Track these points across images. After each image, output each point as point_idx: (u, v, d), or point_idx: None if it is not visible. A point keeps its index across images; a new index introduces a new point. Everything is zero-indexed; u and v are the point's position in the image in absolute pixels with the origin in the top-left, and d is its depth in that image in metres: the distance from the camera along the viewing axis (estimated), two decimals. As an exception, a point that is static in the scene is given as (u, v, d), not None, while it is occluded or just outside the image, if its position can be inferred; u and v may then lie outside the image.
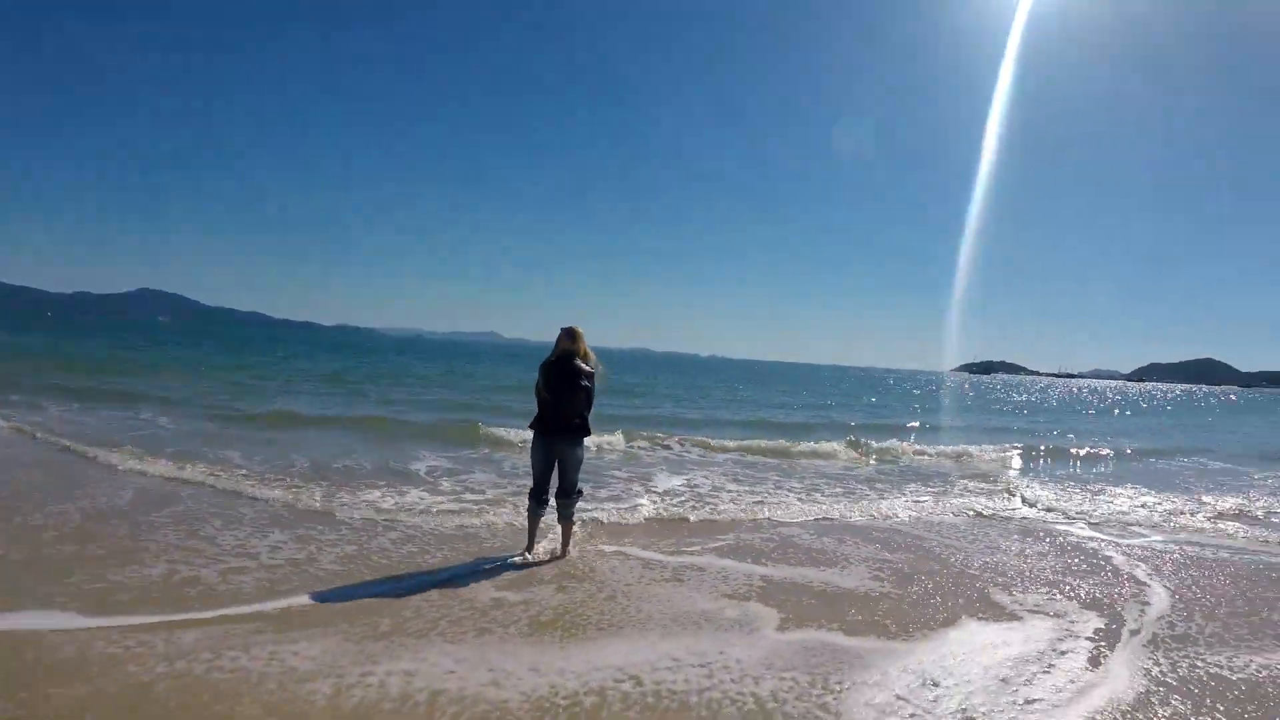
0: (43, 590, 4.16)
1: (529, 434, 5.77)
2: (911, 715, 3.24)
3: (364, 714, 3.01)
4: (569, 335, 5.57)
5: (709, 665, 3.70)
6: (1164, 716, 3.31)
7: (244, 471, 7.98)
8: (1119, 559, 6.30)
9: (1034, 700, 3.44)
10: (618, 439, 12.20)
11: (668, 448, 12.30)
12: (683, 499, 8.14)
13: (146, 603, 4.09)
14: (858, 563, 5.91)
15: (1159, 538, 7.23)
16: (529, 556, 5.48)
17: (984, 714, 3.27)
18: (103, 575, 4.49)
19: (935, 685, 3.58)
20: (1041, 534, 7.22)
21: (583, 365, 5.50)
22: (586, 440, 5.75)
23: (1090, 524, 7.75)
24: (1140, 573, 5.90)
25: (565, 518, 5.67)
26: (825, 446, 13.05)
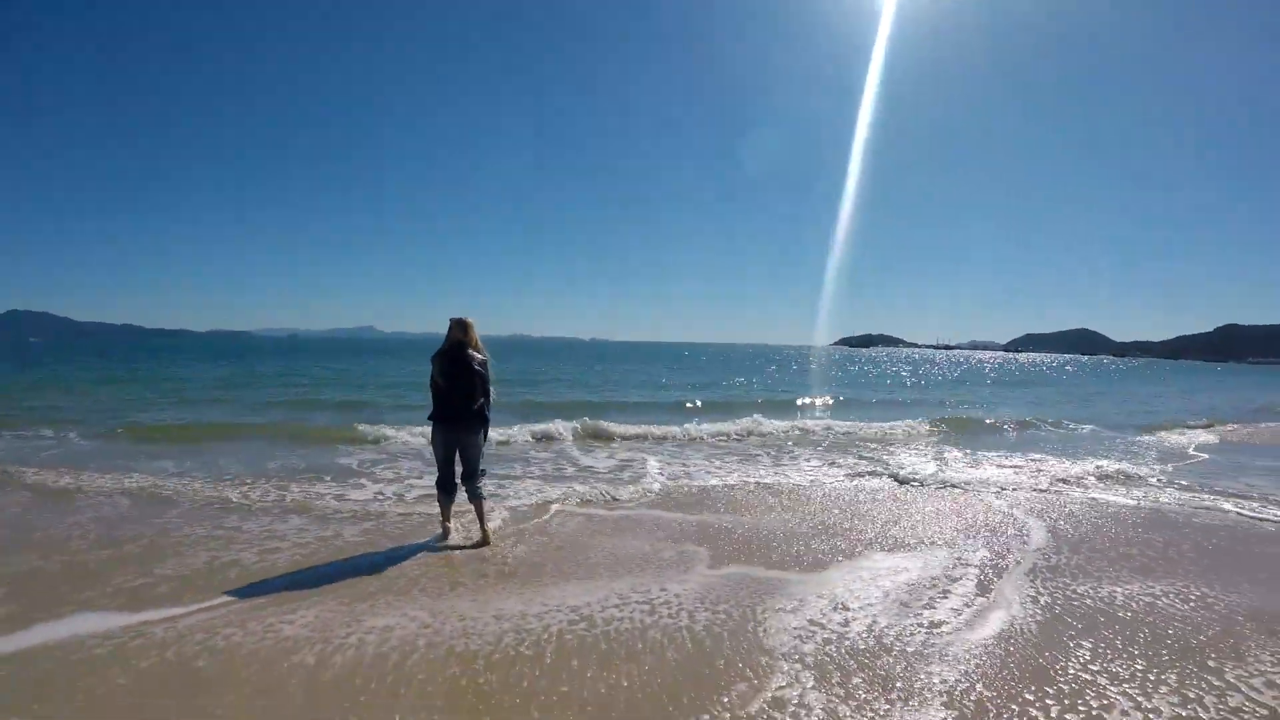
0: (86, 593, 4.20)
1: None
2: (825, 639, 3.68)
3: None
4: (460, 326, 5.64)
5: (651, 601, 4.15)
6: (1045, 632, 3.85)
7: (198, 478, 7.72)
8: (1005, 507, 6.96)
9: (936, 623, 3.92)
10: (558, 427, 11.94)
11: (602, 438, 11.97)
12: (615, 475, 8.53)
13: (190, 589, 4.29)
14: (775, 511, 6.55)
15: (1042, 491, 7.93)
16: (449, 540, 5.64)
17: (892, 635, 3.75)
18: (149, 570, 4.64)
19: (845, 609, 4.07)
20: (937, 490, 7.81)
21: (475, 354, 5.56)
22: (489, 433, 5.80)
23: (983, 484, 8.22)
24: (1021, 514, 6.64)
25: (475, 497, 5.72)
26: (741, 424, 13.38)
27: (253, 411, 16.00)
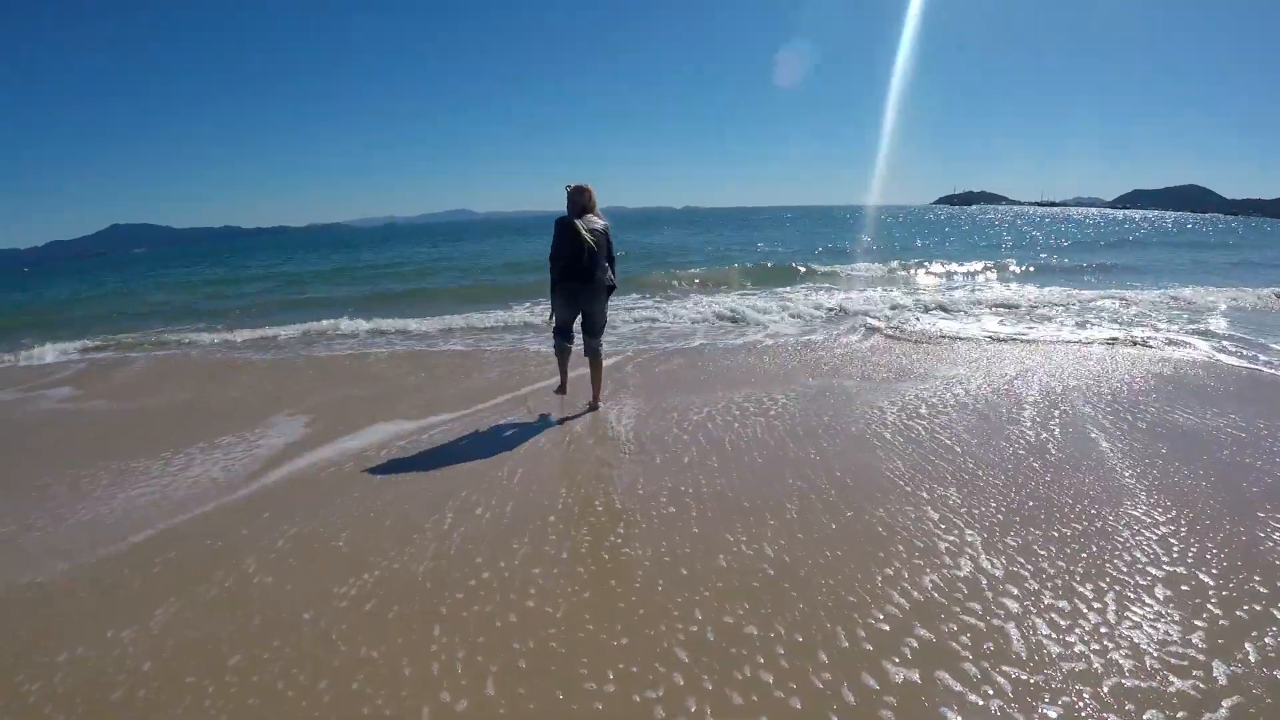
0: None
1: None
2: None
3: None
4: (580, 193, 5.66)
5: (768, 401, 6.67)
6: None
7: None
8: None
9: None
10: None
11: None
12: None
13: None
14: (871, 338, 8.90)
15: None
16: (564, 396, 6.34)
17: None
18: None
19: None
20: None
21: (596, 218, 5.64)
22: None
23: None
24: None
25: (594, 352, 5.91)
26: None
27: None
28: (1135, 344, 8.75)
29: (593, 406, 6.02)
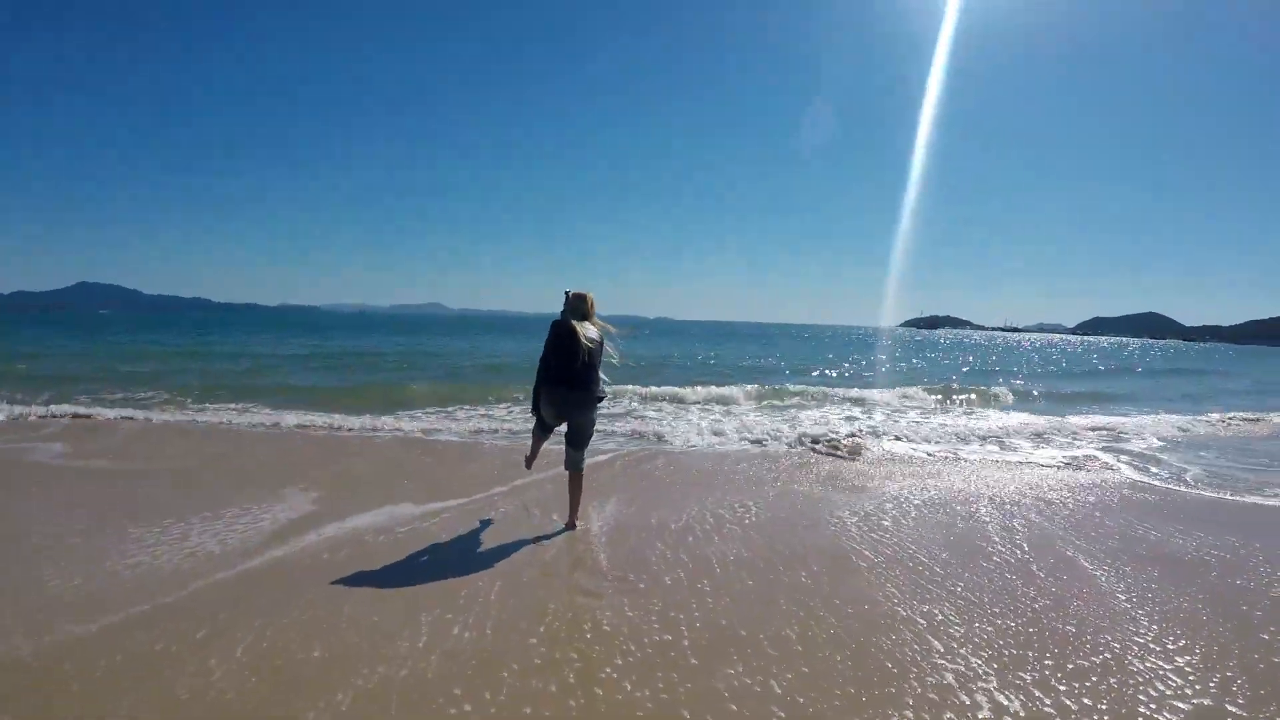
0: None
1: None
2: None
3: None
4: (580, 299, 5.51)
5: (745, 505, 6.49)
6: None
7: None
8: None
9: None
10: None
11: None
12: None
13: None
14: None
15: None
16: (531, 468, 6.33)
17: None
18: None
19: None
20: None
21: (593, 327, 5.46)
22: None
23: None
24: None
25: (576, 467, 5.62)
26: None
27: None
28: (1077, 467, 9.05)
29: (569, 525, 5.68)
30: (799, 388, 18.38)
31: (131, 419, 10.54)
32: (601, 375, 5.53)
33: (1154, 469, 9.09)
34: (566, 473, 5.68)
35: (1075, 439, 11.56)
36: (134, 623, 3.68)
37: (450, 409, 12.93)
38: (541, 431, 5.84)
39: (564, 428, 5.64)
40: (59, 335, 33.70)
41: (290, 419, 10.90)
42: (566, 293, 5.53)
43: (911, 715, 2.99)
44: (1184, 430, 12.96)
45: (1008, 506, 6.72)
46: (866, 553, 5.16)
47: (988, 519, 6.24)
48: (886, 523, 6.00)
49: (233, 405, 12.38)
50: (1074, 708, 3.04)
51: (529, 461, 6.23)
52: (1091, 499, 7.16)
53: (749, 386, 17.32)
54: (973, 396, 18.99)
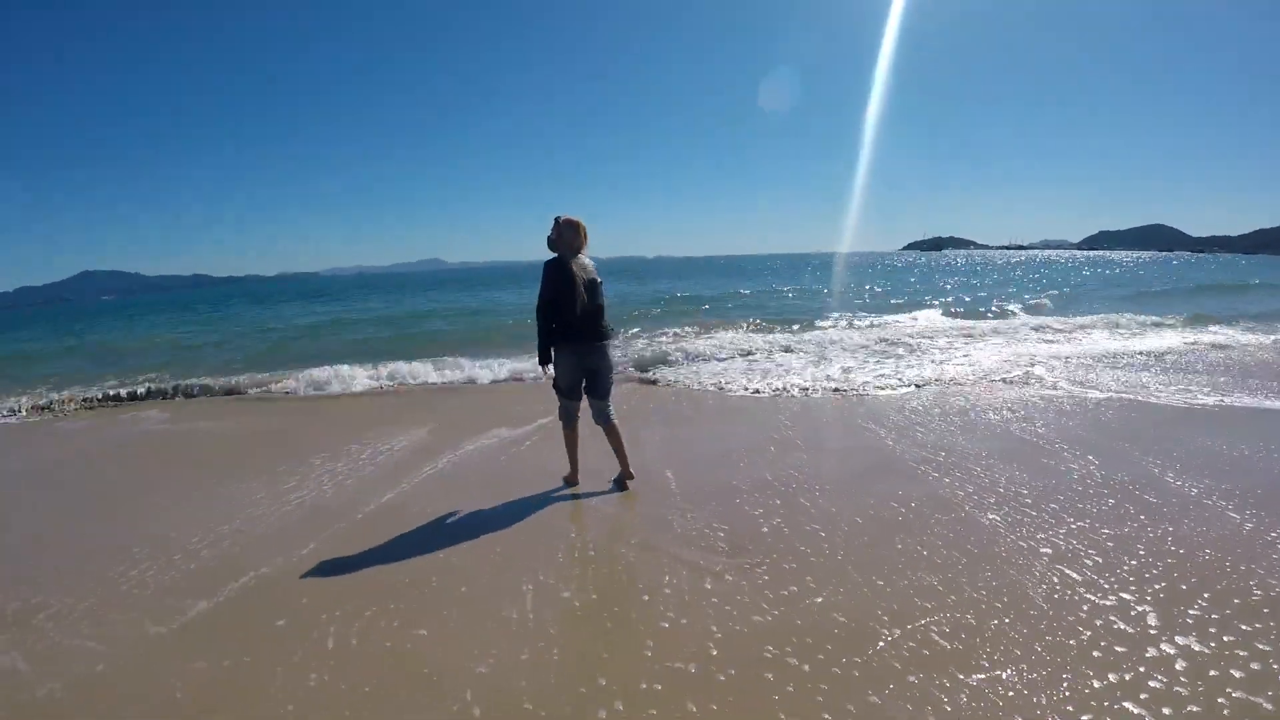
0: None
1: None
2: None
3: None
4: (572, 228, 4.75)
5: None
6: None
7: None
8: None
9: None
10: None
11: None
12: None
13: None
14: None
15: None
16: (577, 482, 5.25)
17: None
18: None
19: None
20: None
21: (589, 262, 4.85)
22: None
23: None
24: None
25: (606, 421, 5.04)
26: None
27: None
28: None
29: (624, 481, 5.14)
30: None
31: (210, 387, 10.98)
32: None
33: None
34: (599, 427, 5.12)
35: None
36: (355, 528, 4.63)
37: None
38: (570, 416, 5.09)
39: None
40: (77, 326, 33.12)
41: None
42: (556, 219, 4.71)
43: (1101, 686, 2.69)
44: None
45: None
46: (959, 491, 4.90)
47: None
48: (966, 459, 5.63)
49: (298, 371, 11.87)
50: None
51: (573, 475, 5.29)
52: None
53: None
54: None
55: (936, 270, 63.98)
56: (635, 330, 16.68)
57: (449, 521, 4.69)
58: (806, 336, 14.43)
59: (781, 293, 32.80)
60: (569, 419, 5.10)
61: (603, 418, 5.03)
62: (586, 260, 4.80)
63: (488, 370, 11.04)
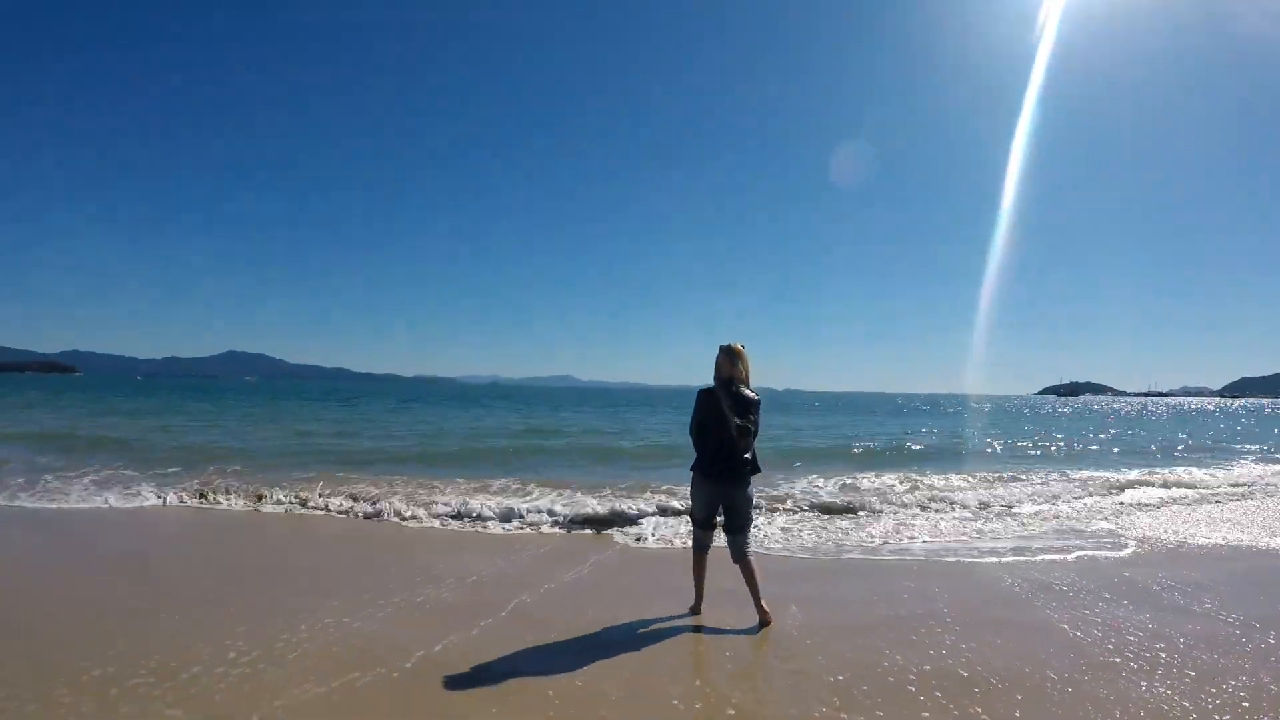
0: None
1: None
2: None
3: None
4: (730, 357, 4.72)
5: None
6: None
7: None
8: None
9: None
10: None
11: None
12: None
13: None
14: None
15: None
16: (701, 611, 5.02)
17: None
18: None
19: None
20: None
21: (748, 393, 4.68)
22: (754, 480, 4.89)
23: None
24: None
25: (742, 556, 4.81)
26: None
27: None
28: None
29: (763, 621, 4.77)
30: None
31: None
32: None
33: None
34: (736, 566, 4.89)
35: None
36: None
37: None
38: (700, 546, 5.03)
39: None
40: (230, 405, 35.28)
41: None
42: (720, 349, 4.79)
43: None
44: None
45: None
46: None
47: None
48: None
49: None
50: None
51: (697, 604, 5.09)
52: None
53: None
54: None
55: (1106, 416, 57.85)
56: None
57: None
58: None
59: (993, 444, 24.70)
60: (699, 547, 5.03)
61: (738, 554, 4.83)
62: (745, 390, 4.69)
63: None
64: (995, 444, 23.79)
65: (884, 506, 9.92)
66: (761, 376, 4.84)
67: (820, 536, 7.99)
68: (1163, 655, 4.19)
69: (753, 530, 5.14)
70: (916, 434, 27.65)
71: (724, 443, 4.65)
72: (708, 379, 4.85)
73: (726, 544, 4.86)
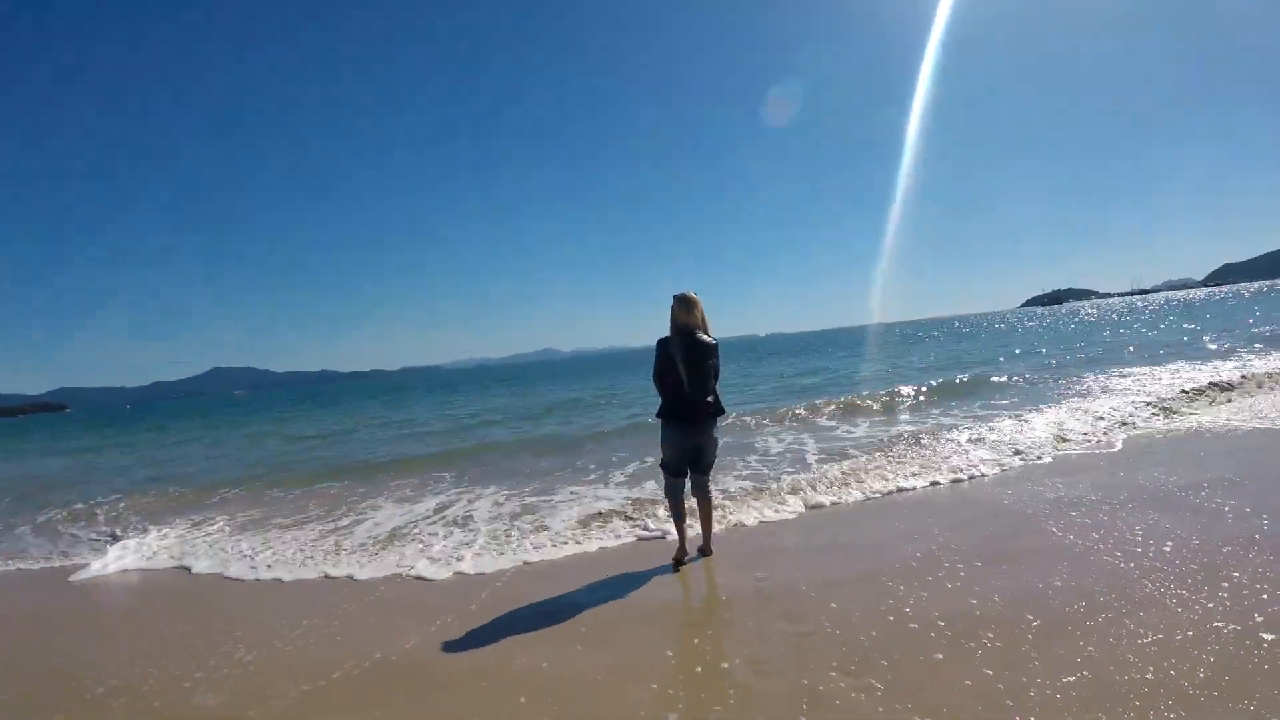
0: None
1: None
2: None
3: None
4: (684, 304, 4.81)
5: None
6: None
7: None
8: None
9: None
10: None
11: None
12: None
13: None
14: None
15: None
16: (686, 558, 5.06)
17: None
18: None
19: None
20: None
21: (705, 338, 4.80)
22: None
23: None
24: None
25: (702, 490, 5.05)
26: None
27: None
28: None
29: (704, 551, 5.15)
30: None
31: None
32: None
33: None
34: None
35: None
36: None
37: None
38: (676, 493, 5.09)
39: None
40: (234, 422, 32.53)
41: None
42: (674, 298, 4.89)
43: None
44: None
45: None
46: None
47: None
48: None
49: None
50: None
51: (679, 557, 5.05)
52: None
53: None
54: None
55: (1084, 322, 52.93)
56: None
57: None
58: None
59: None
60: (675, 496, 5.09)
61: (699, 488, 5.06)
62: (701, 336, 4.79)
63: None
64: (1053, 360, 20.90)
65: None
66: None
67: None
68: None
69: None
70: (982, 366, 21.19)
71: (686, 388, 4.75)
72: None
73: (690, 483, 5.07)
